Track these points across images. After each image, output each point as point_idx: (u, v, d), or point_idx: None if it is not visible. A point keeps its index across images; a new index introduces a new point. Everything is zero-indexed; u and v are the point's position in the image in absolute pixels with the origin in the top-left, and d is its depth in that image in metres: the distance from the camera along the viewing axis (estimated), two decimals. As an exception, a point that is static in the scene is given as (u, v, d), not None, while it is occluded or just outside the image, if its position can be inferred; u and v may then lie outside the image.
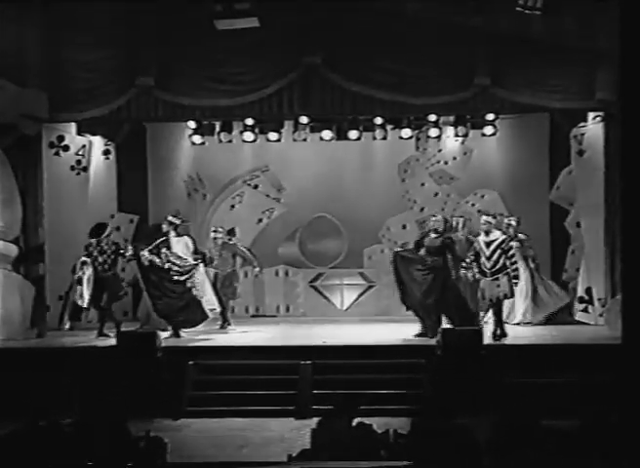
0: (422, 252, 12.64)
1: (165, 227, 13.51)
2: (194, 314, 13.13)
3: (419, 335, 12.57)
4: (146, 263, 13.11)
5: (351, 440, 6.98)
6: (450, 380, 11.00)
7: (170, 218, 13.59)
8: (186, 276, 13.15)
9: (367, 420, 7.26)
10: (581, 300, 14.26)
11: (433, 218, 12.87)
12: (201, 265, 13.42)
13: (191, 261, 13.28)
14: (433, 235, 12.68)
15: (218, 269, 14.26)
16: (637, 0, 5.15)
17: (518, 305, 14.21)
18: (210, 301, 13.45)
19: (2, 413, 9.72)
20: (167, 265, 13.11)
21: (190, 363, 11.65)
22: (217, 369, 11.71)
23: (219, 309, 13.70)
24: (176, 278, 13.08)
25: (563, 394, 10.53)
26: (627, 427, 5.11)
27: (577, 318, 14.31)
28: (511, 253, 12.44)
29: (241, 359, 11.90)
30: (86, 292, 13.20)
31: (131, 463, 6.77)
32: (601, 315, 13.62)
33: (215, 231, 14.68)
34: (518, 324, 14.11)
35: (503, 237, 12.54)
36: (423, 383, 11.20)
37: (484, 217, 12.62)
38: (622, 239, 5.20)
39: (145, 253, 13.12)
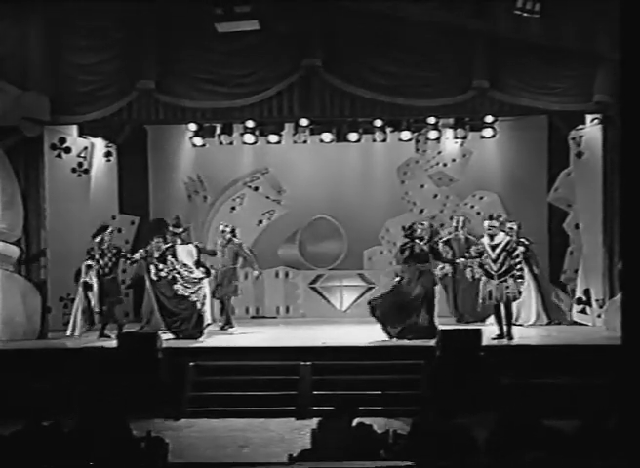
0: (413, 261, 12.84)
1: (169, 238, 13.54)
2: (196, 329, 13.16)
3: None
4: (155, 278, 13.25)
5: (351, 440, 7.02)
6: (449, 381, 11.05)
7: (171, 229, 13.61)
8: (191, 291, 13.18)
9: (367, 421, 7.30)
10: (580, 301, 14.31)
11: (420, 226, 13.03)
12: (205, 280, 13.50)
13: (197, 274, 13.30)
14: (420, 242, 12.87)
15: (215, 265, 14.32)
16: (638, 1, 5.19)
17: (527, 307, 14.24)
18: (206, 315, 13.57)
19: (4, 414, 9.76)
20: (172, 274, 13.18)
21: (191, 364, 11.69)
22: (217, 369, 11.74)
23: (210, 321, 13.79)
24: (180, 292, 13.12)
25: (561, 395, 10.58)
26: (627, 428, 5.14)
27: (575, 319, 14.36)
28: (516, 253, 12.54)
29: (241, 360, 11.93)
30: (95, 296, 13.35)
31: (132, 464, 6.83)
32: (599, 316, 13.66)
33: (226, 225, 14.72)
34: (532, 325, 14.20)
35: (508, 239, 12.62)
36: (423, 384, 11.24)
37: (487, 223, 12.68)
38: (621, 238, 5.25)
39: (153, 269, 13.25)
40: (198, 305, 13.11)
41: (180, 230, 13.62)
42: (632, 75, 5.07)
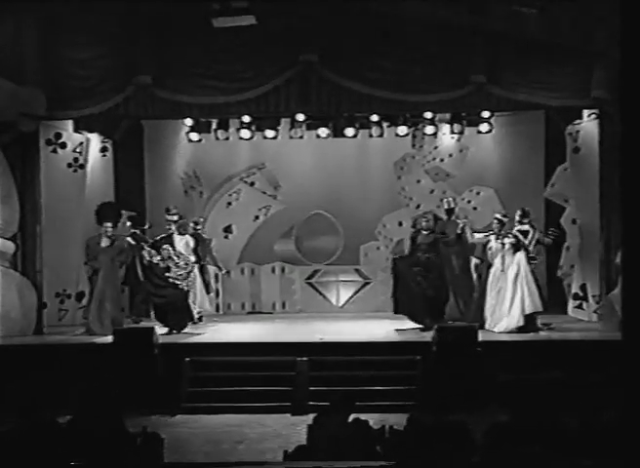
0: (418, 250, 13.01)
1: (168, 227, 13.52)
2: (182, 318, 13.18)
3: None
4: (146, 263, 13.22)
5: (347, 436, 7.01)
6: (445, 377, 11.05)
7: (168, 217, 13.59)
8: (184, 281, 13.17)
9: (363, 416, 7.30)
10: (576, 297, 14.32)
11: (424, 218, 13.23)
12: (196, 267, 13.49)
13: (190, 261, 13.31)
14: (425, 233, 13.17)
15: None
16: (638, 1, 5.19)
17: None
18: (199, 303, 13.56)
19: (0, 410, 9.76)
20: (165, 263, 13.16)
21: (187, 359, 11.69)
22: (213, 365, 11.75)
23: (206, 308, 13.77)
24: (171, 280, 13.12)
25: (558, 390, 10.58)
26: (628, 425, 5.13)
27: (571, 314, 14.36)
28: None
29: (238, 355, 11.94)
30: None
31: (128, 459, 6.82)
32: (595, 311, 13.67)
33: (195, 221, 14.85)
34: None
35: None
36: (419, 379, 11.25)
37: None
38: (623, 236, 5.25)
39: (146, 253, 13.21)
40: (191, 295, 13.15)
41: (175, 217, 13.54)
42: (632, 72, 5.06)
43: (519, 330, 12.70)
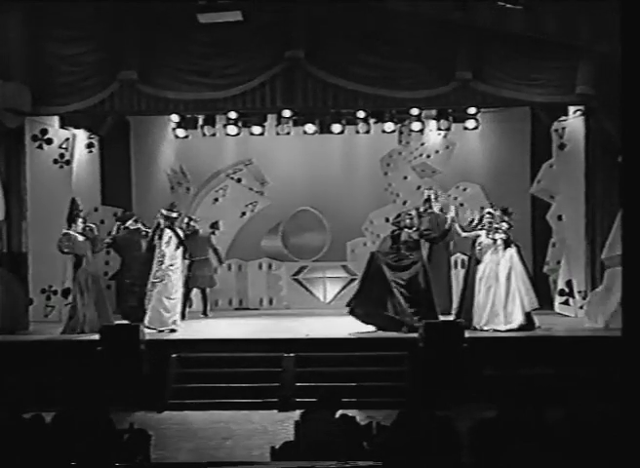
0: (402, 248, 12.87)
1: (162, 223, 13.21)
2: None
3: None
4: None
5: (334, 432, 7.02)
6: (432, 372, 11.07)
7: (165, 212, 13.27)
8: (156, 280, 12.98)
9: (350, 412, 7.31)
10: (562, 293, 14.37)
11: (408, 216, 12.98)
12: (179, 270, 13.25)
13: (170, 263, 13.09)
14: (408, 230, 12.86)
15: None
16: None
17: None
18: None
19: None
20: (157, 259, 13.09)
21: (173, 356, 11.68)
22: (200, 361, 11.73)
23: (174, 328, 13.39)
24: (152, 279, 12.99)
25: (544, 386, 10.62)
26: (628, 424, 5.13)
27: (557, 310, 14.41)
28: None
29: (224, 351, 11.92)
30: None
31: (115, 456, 6.81)
32: (581, 307, 13.71)
33: (195, 219, 14.84)
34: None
35: None
36: (406, 375, 11.26)
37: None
38: (623, 234, 5.28)
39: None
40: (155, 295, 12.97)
41: (175, 214, 13.37)
42: (632, 70, 5.08)
43: (521, 328, 12.45)
